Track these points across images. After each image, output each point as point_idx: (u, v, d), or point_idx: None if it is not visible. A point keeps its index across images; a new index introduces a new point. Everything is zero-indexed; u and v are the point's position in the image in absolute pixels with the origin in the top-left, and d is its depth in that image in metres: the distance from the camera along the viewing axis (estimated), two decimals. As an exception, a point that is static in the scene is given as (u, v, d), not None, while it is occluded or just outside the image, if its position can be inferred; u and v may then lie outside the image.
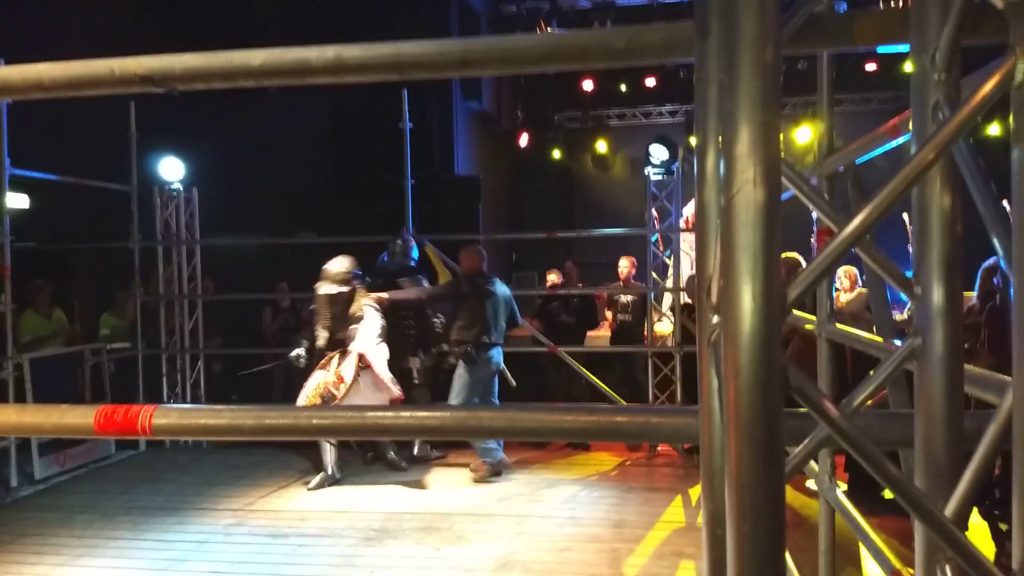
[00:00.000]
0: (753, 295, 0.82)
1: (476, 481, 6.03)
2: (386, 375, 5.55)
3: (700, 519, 5.30)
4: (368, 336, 5.54)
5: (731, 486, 0.80)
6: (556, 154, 13.85)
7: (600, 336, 7.96)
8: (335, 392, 5.34)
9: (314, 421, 1.16)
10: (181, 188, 7.85)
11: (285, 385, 7.79)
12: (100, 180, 7.56)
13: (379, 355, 5.56)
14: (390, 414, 1.20)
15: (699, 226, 1.05)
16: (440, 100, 10.52)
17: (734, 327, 0.82)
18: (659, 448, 7.11)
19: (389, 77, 1.18)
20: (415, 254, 6.83)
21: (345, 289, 5.70)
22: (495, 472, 6.10)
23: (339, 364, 5.52)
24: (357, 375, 5.40)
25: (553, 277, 8.08)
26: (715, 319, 0.89)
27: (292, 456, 6.96)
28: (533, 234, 9.50)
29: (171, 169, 7.74)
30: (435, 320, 6.60)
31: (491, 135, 12.91)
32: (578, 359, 7.12)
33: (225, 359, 8.32)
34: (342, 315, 5.71)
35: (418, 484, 6.07)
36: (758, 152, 0.85)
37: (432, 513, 5.36)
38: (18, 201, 7.27)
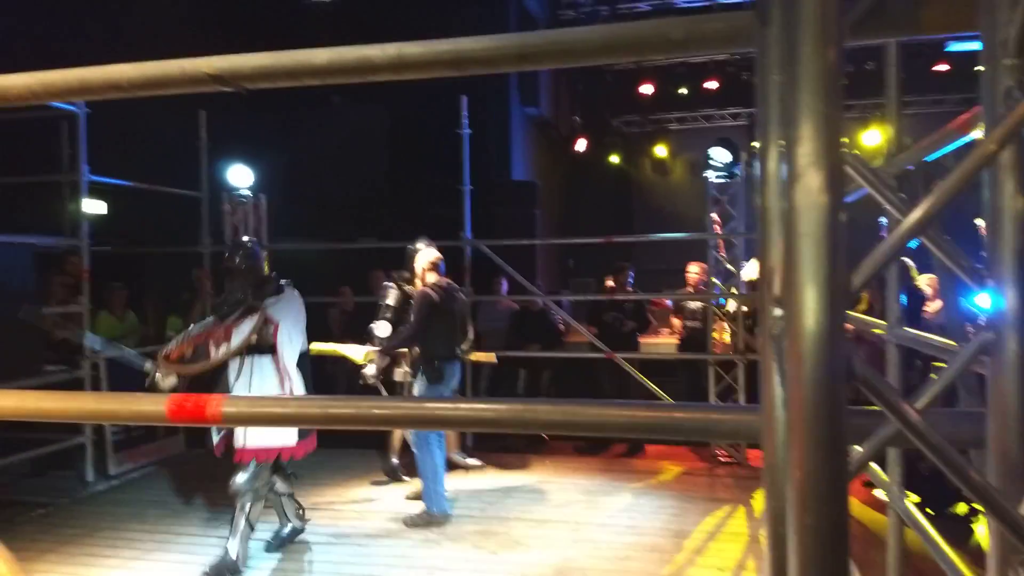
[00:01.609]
0: (817, 286, 0.80)
1: (408, 525, 5.24)
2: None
3: (763, 533, 5.17)
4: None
5: (794, 478, 0.79)
6: (614, 159, 13.79)
7: (659, 343, 7.86)
8: (213, 352, 4.29)
9: (375, 411, 1.18)
10: (249, 194, 8.08)
11: (347, 383, 7.94)
12: (172, 187, 7.86)
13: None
14: (449, 406, 1.21)
15: (761, 220, 1.03)
16: (498, 106, 10.60)
17: (798, 318, 0.81)
18: (720, 456, 6.98)
19: (448, 73, 1.20)
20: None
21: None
22: (424, 523, 5.22)
23: (234, 321, 4.43)
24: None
25: (611, 282, 8.04)
26: (777, 312, 0.88)
27: (353, 457, 7.07)
28: (590, 239, 9.44)
29: (240, 176, 7.98)
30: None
31: (548, 140, 12.93)
32: (633, 366, 7.04)
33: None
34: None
35: (476, 488, 6.10)
36: (822, 144, 0.84)
37: (490, 517, 5.37)
38: (96, 207, 7.60)
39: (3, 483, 6.03)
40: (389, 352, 5.57)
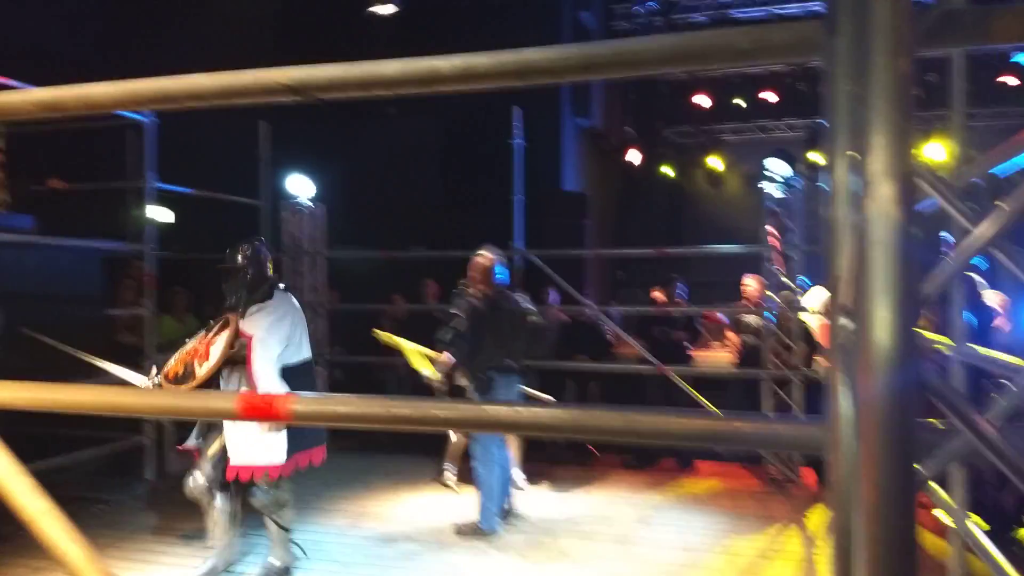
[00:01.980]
0: (889, 297, 0.80)
1: (456, 533, 5.26)
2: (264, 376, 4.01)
3: (816, 552, 5.06)
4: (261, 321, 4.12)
5: (863, 489, 0.78)
6: (666, 170, 13.67)
7: (713, 357, 7.76)
8: (197, 370, 4.00)
9: (436, 412, 1.20)
10: (308, 203, 8.27)
11: (397, 387, 8.07)
12: (234, 195, 8.10)
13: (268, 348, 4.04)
14: (508, 409, 1.23)
15: (829, 233, 1.03)
16: (549, 117, 10.64)
17: (869, 329, 0.80)
18: (773, 475, 6.84)
19: (513, 83, 1.22)
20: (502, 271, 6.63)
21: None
22: (472, 534, 5.20)
23: (213, 335, 4.12)
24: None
25: (658, 295, 7.97)
26: (846, 322, 0.87)
27: (402, 462, 7.16)
28: (641, 250, 9.38)
29: (298, 185, 8.18)
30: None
31: (599, 151, 12.91)
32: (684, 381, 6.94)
33: (346, 367, 8.67)
34: None
35: (526, 500, 6.09)
36: (894, 155, 0.83)
37: (537, 529, 5.37)
38: (163, 214, 7.87)
39: (68, 479, 6.25)
40: (452, 368, 5.35)
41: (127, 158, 7.38)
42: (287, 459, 4.04)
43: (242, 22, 9.58)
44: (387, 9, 8.79)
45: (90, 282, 5.95)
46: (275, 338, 4.04)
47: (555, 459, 7.31)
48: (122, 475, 6.76)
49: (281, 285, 4.42)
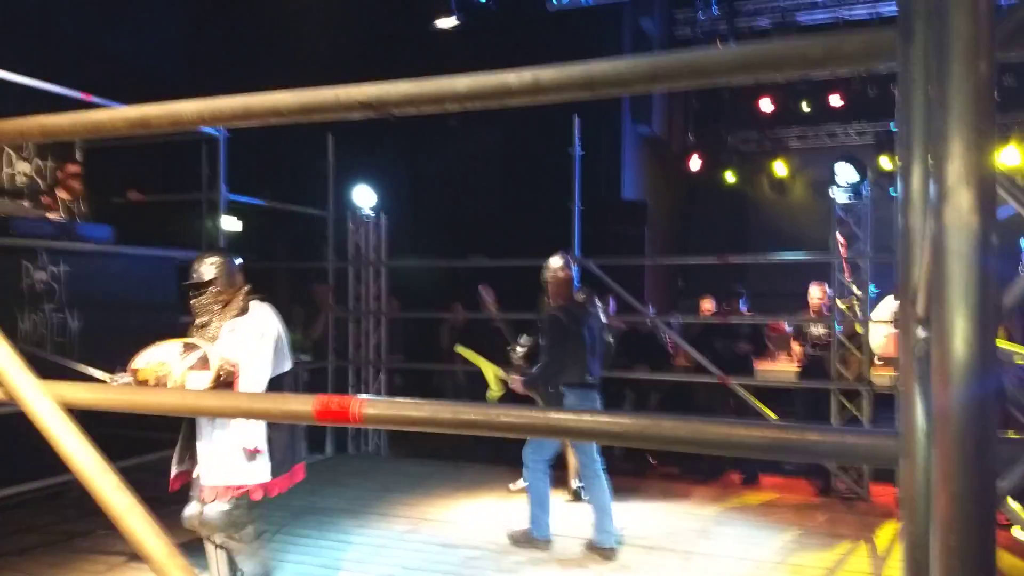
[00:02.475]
0: (967, 307, 0.78)
1: (509, 540, 5.19)
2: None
3: (887, 570, 4.89)
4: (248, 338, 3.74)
5: (939, 500, 0.77)
6: (729, 177, 13.46)
7: (776, 369, 7.58)
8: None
9: (503, 418, 1.23)
10: (371, 213, 8.44)
11: (454, 396, 8.14)
12: (301, 206, 8.33)
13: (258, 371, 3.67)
14: (573, 416, 1.24)
15: (903, 241, 1.01)
16: (609, 125, 10.61)
17: (946, 339, 0.79)
18: (841, 490, 6.65)
19: (582, 95, 1.24)
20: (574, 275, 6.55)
21: None
22: (525, 543, 5.14)
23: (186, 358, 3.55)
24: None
25: (708, 304, 7.83)
26: (922, 333, 0.86)
27: (461, 470, 7.22)
28: (702, 258, 9.24)
29: (363, 196, 8.37)
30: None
31: (660, 159, 12.81)
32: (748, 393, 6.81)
33: (405, 373, 8.81)
34: None
35: (584, 509, 6.06)
36: (973, 161, 0.82)
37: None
38: (233, 224, 8.15)
39: (139, 480, 6.48)
40: (533, 387, 5.13)
41: (201, 170, 7.69)
42: (270, 480, 3.68)
43: (312, 42, 9.87)
44: (449, 22, 8.92)
45: (166, 290, 6.19)
46: (261, 360, 3.66)
47: (612, 470, 7.24)
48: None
49: (256, 297, 3.95)
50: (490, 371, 5.34)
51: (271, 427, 3.61)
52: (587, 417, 1.22)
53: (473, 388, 8.09)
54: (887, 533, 5.50)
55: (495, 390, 5.33)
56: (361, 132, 8.53)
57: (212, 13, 10.81)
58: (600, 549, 5.05)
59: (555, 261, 5.26)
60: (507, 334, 6.07)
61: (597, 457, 5.21)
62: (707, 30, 11.42)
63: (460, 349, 5.49)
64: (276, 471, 3.70)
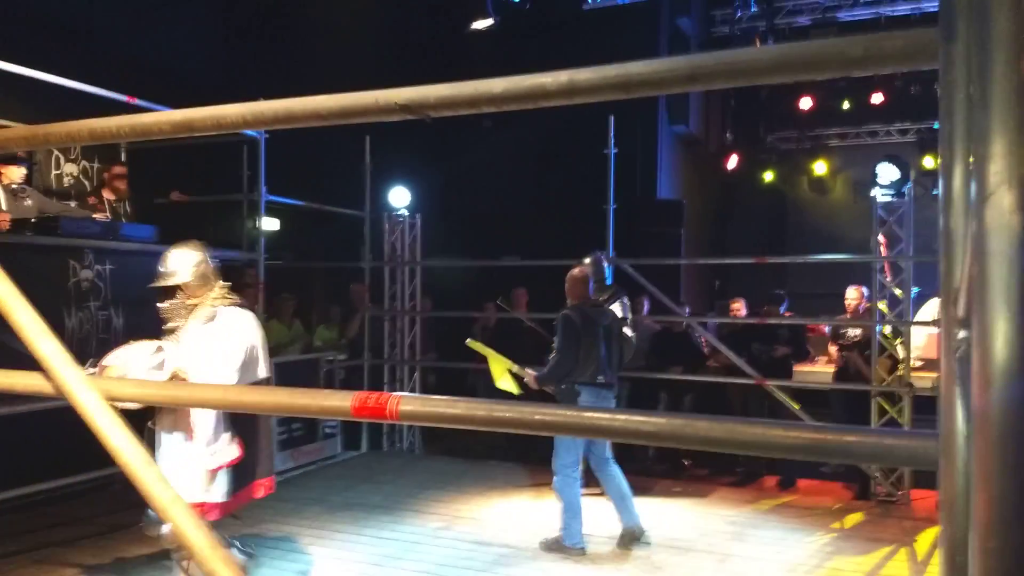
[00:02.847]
0: (1008, 307, 0.78)
1: (542, 548, 5.11)
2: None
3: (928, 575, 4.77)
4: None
5: (979, 501, 0.76)
6: (767, 176, 13.30)
7: (814, 372, 7.48)
8: None
9: (536, 416, 1.24)
10: (407, 214, 8.52)
11: (487, 395, 8.16)
12: (338, 207, 8.44)
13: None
14: (607, 416, 1.25)
15: (944, 242, 1.00)
16: (645, 125, 10.55)
17: (986, 339, 0.78)
18: (879, 495, 6.54)
19: (617, 96, 1.24)
20: (608, 273, 6.46)
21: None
22: (558, 550, 5.05)
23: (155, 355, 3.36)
24: None
25: (738, 306, 7.74)
26: (962, 333, 0.85)
27: (494, 469, 7.25)
28: (740, 259, 9.15)
29: (399, 197, 8.44)
30: None
31: (697, 158, 12.70)
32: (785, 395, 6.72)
33: (439, 372, 8.87)
34: None
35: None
36: (1015, 162, 0.81)
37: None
38: (271, 224, 8.29)
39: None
40: (546, 385, 5.17)
41: (241, 172, 7.83)
42: (228, 498, 3.46)
43: (348, 46, 9.99)
44: (486, 23, 8.96)
45: (207, 288, 6.31)
46: (220, 376, 3.22)
47: (646, 472, 7.23)
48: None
49: (228, 300, 3.58)
50: (501, 365, 5.25)
51: (243, 444, 3.37)
52: (621, 416, 1.22)
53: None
54: (928, 539, 5.40)
55: (511, 386, 5.24)
56: (397, 134, 8.63)
57: (251, 19, 11.00)
58: (629, 530, 5.11)
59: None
60: (545, 333, 6.10)
61: (608, 453, 5.26)
62: (745, 28, 11.29)
63: (472, 343, 5.50)
64: (232, 491, 3.45)
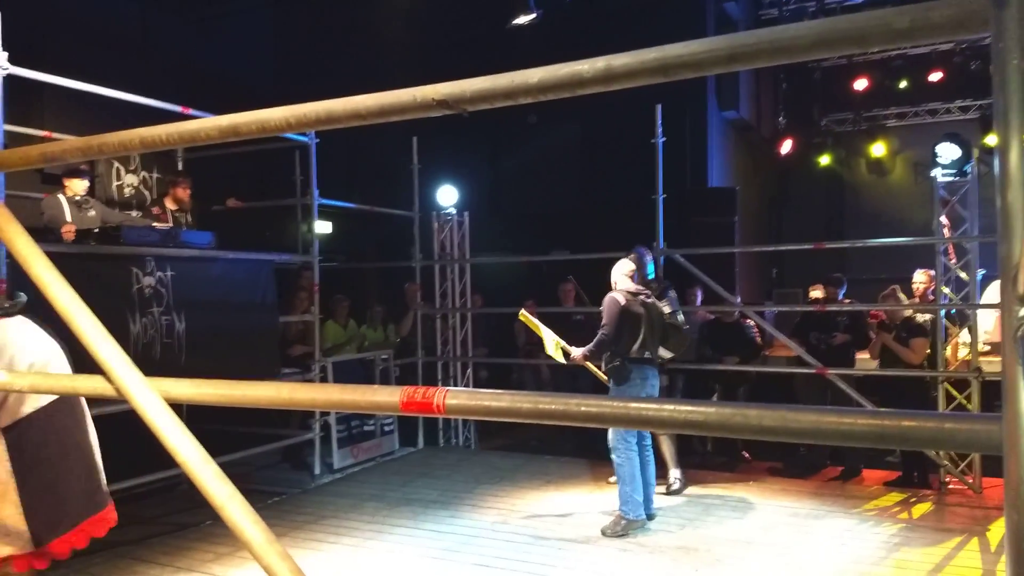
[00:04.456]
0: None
1: (603, 533, 5.26)
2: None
3: (1000, 566, 4.62)
4: None
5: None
6: (824, 160, 12.96)
7: (864, 360, 7.24)
8: None
9: (582, 408, 1.23)
10: (455, 212, 8.57)
11: (536, 388, 8.18)
12: (388, 207, 8.54)
13: None
14: (655, 406, 1.23)
15: (1002, 220, 0.96)
16: (694, 112, 10.38)
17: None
18: (950, 484, 6.32)
19: (656, 79, 1.22)
20: (651, 269, 6.38)
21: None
22: (620, 529, 5.24)
23: None
24: None
25: (817, 293, 7.55)
26: (1022, 311, 0.81)
27: (549, 463, 7.25)
28: (797, 246, 8.92)
29: (447, 196, 8.50)
30: None
31: (749, 144, 12.44)
32: (849, 384, 6.52)
33: (491, 367, 8.91)
34: None
35: (674, 504, 5.99)
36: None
37: (689, 533, 5.26)
38: (323, 227, 8.44)
39: (244, 473, 6.80)
40: (593, 359, 5.60)
41: (294, 177, 7.99)
42: (33, 549, 2.81)
43: (393, 49, 10.10)
44: (528, 18, 8.93)
45: (265, 291, 6.47)
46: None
47: (705, 464, 7.13)
48: (293, 469, 7.31)
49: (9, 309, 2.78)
50: (551, 339, 5.64)
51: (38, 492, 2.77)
52: (668, 407, 1.20)
53: (556, 381, 8.11)
54: (1001, 528, 5.19)
55: (559, 356, 5.63)
56: (443, 133, 8.69)
57: (297, 27, 11.21)
58: (624, 520, 5.25)
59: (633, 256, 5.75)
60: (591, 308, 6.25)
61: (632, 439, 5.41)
62: (794, 10, 11.01)
63: (523, 316, 5.74)
64: (41, 539, 2.80)
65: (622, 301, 5.45)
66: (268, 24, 11.04)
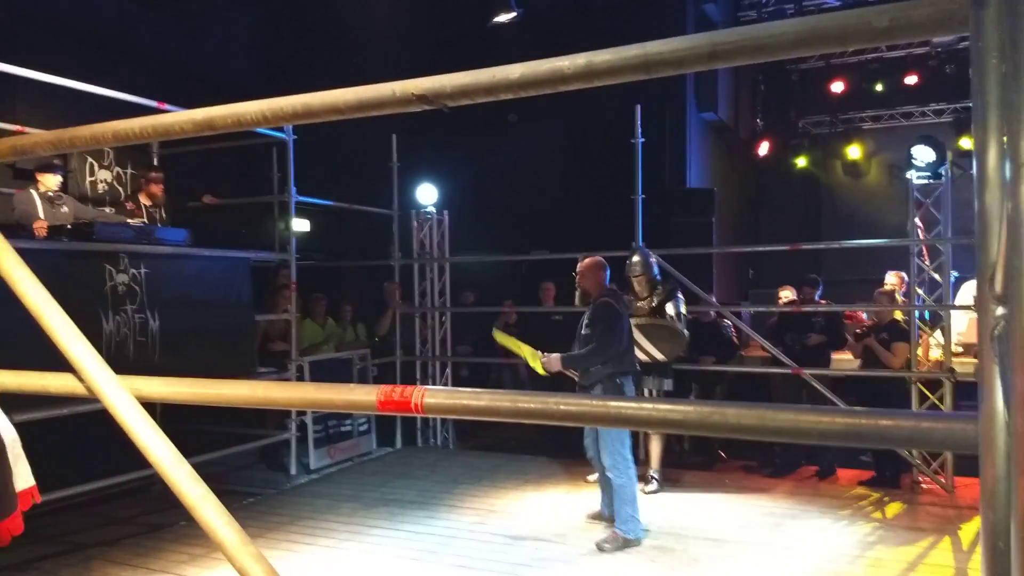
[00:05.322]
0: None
1: (600, 549, 4.95)
2: None
3: (972, 564, 4.68)
4: None
5: (1021, 485, 0.72)
6: (800, 162, 13.11)
7: (852, 360, 7.32)
8: None
9: (562, 407, 1.22)
10: (435, 211, 8.54)
11: (514, 387, 8.18)
12: (367, 206, 8.49)
13: None
14: (634, 405, 1.22)
15: (980, 220, 0.96)
16: (673, 114, 10.44)
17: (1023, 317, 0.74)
18: (923, 484, 6.40)
19: (637, 76, 1.21)
20: (656, 270, 6.44)
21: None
22: (626, 546, 4.95)
23: None
24: None
25: (787, 293, 7.61)
26: (1000, 310, 0.81)
27: (528, 463, 7.24)
28: (773, 247, 9.00)
29: (426, 194, 8.47)
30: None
31: (727, 145, 12.54)
32: (824, 384, 6.58)
33: (472, 366, 8.89)
34: None
35: (654, 503, 6.01)
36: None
37: (667, 533, 5.27)
38: (301, 225, 8.36)
39: (218, 473, 6.72)
40: (574, 367, 5.15)
41: (271, 174, 7.91)
42: None
43: (377, 48, 10.05)
44: (508, 16, 8.92)
45: (240, 289, 6.39)
46: None
47: (683, 463, 7.16)
48: (269, 470, 7.23)
49: None
50: (527, 351, 5.18)
51: None
52: (648, 405, 1.20)
53: (534, 381, 8.11)
54: (972, 527, 5.27)
55: (539, 368, 5.17)
56: (424, 131, 8.65)
57: (281, 25, 11.12)
58: (626, 540, 4.99)
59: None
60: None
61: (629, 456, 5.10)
62: (773, 12, 11.11)
63: (497, 334, 5.49)
64: None
65: (618, 307, 5.08)
66: (251, 19, 10.93)
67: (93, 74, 5.35)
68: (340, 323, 8.31)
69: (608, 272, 5.30)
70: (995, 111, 0.92)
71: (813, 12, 10.81)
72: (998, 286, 0.81)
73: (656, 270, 6.39)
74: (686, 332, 6.12)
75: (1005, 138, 0.86)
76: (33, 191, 5.69)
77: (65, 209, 5.82)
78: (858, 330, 6.99)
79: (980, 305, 0.86)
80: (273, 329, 7.38)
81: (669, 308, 6.08)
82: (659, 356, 6.06)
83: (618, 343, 5.00)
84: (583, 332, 5.18)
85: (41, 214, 5.60)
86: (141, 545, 5.10)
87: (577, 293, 5.53)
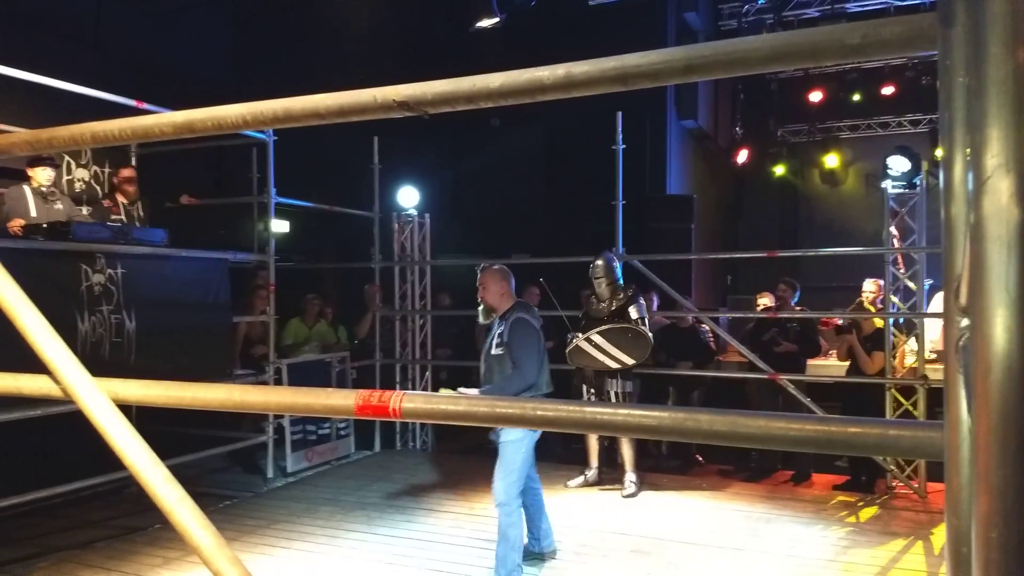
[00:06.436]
0: (1007, 294, 0.77)
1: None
2: None
3: (943, 569, 4.75)
4: None
5: (980, 492, 0.75)
6: (779, 170, 13.26)
7: (827, 365, 7.42)
8: None
9: (539, 412, 1.23)
10: (415, 214, 8.53)
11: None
12: (347, 207, 8.46)
13: None
14: (608, 410, 1.24)
15: (945, 228, 0.99)
16: (654, 121, 10.52)
17: (986, 327, 0.77)
18: (896, 489, 6.49)
19: (615, 88, 1.24)
20: (619, 273, 6.42)
21: None
22: None
23: None
24: None
25: (765, 300, 7.69)
26: (964, 321, 0.84)
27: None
28: (751, 253, 9.09)
29: (408, 197, 8.46)
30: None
31: (706, 153, 12.65)
32: (800, 389, 6.67)
33: (452, 370, 8.88)
34: None
35: (631, 506, 6.04)
36: (1011, 149, 0.80)
37: (644, 537, 5.30)
38: (280, 226, 8.32)
39: (193, 476, 6.67)
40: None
41: (251, 175, 7.86)
42: None
43: (354, 48, 10.03)
44: (491, 22, 8.94)
45: (219, 290, 6.34)
46: None
47: (659, 467, 7.21)
48: (245, 473, 7.18)
49: None
50: (443, 392, 4.55)
51: None
52: (623, 411, 1.21)
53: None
54: (944, 532, 5.35)
55: None
56: (405, 134, 8.65)
57: (256, 24, 11.06)
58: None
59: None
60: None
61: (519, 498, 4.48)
62: (753, 22, 11.23)
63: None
64: None
65: (535, 324, 4.45)
66: (226, 19, 10.86)
67: (68, 72, 5.28)
68: (331, 326, 8.29)
69: (513, 281, 4.72)
70: (961, 126, 0.94)
71: (792, 22, 10.99)
72: (962, 298, 0.84)
73: (619, 274, 6.42)
74: (651, 335, 6.14)
75: (968, 150, 0.88)
76: (26, 187, 5.57)
77: (60, 206, 5.71)
78: (839, 322, 7.08)
79: (946, 316, 0.89)
80: (253, 332, 7.34)
81: (632, 311, 6.10)
82: (628, 361, 6.02)
83: (539, 366, 4.37)
84: (493, 352, 4.50)
85: (33, 211, 5.49)
86: (115, 548, 5.05)
87: (480, 309, 4.85)
